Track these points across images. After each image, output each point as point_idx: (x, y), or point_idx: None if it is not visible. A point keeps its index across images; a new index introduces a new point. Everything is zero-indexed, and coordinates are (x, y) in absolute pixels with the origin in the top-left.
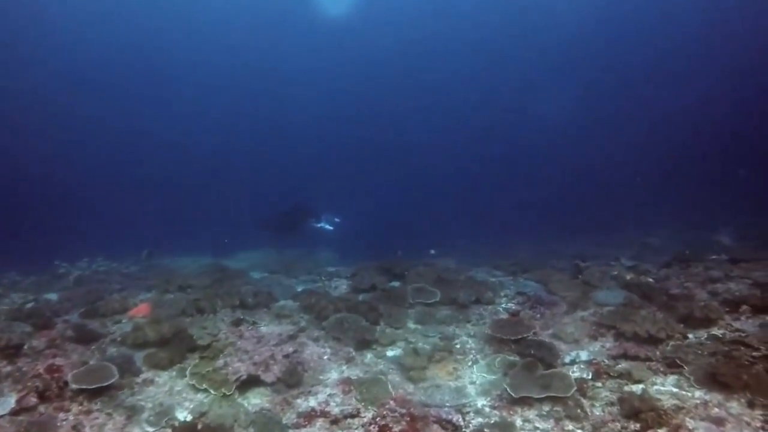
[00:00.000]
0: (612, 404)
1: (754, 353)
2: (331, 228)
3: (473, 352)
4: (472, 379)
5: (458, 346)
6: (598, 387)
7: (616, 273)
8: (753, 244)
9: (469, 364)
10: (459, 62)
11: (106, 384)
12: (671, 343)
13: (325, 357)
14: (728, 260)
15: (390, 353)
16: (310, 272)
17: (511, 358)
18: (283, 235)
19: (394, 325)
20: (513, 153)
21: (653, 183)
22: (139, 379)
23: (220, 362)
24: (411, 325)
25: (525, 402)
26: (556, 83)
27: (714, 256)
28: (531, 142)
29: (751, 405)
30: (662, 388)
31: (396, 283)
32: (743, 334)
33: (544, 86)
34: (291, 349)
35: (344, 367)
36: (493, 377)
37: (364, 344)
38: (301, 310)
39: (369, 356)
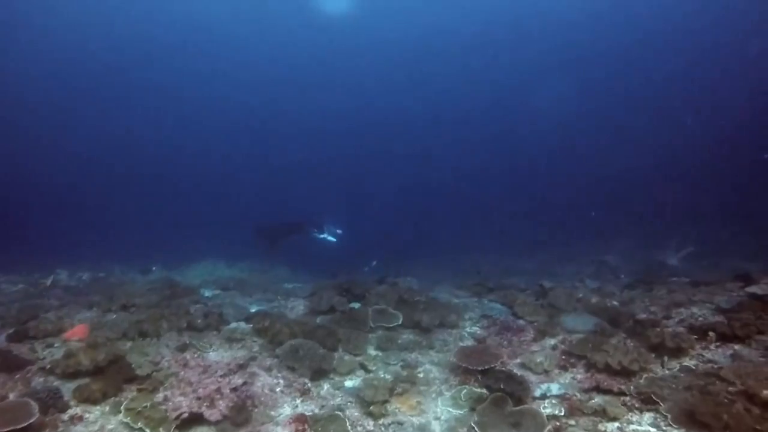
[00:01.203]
0: None
1: (731, 388)
2: (334, 240)
3: (437, 382)
4: (436, 414)
5: (421, 375)
6: (571, 426)
7: (581, 295)
8: (707, 263)
9: (434, 396)
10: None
11: (20, 426)
12: (644, 375)
13: (278, 389)
14: (689, 283)
15: (349, 383)
16: (266, 289)
17: (478, 390)
18: (281, 244)
19: (353, 352)
20: (485, 167)
21: (611, 199)
22: (65, 416)
23: (160, 396)
24: (371, 351)
25: None
26: (526, 105)
27: (674, 278)
28: (500, 158)
29: None
30: (639, 427)
31: (356, 305)
32: (716, 366)
33: (513, 109)
34: (240, 381)
35: (298, 401)
36: (460, 412)
37: (320, 374)
38: (254, 334)
39: (326, 387)
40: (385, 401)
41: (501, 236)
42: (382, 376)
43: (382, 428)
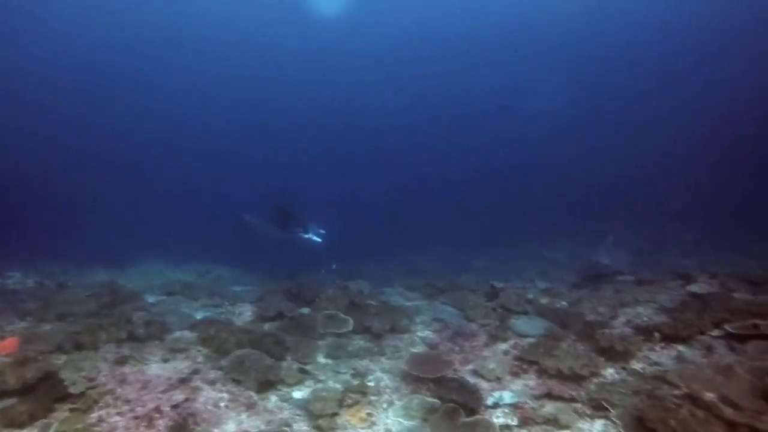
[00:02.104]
0: None
1: (676, 392)
2: (319, 240)
3: (389, 391)
4: (387, 427)
5: (372, 384)
6: None
7: (531, 296)
8: (649, 260)
9: (385, 406)
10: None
11: None
12: (594, 380)
13: (222, 404)
14: (634, 281)
15: (297, 395)
16: (213, 293)
17: (431, 399)
18: (267, 241)
19: (302, 361)
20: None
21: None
22: None
23: (94, 416)
24: (321, 359)
25: None
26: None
27: (620, 277)
28: (460, 158)
29: None
30: None
31: (305, 310)
32: (662, 369)
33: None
34: (182, 397)
35: (244, 416)
36: (411, 423)
37: (267, 385)
38: (199, 343)
39: (273, 400)
40: (335, 414)
41: (456, 233)
42: (332, 385)
43: None
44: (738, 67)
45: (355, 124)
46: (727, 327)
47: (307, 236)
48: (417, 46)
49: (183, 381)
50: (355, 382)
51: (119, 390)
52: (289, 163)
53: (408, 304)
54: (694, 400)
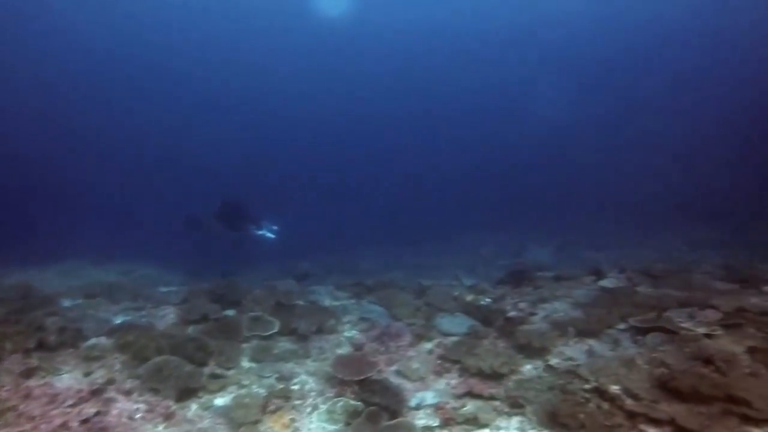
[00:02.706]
0: None
1: (586, 386)
2: (272, 236)
3: (313, 394)
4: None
5: (297, 387)
6: None
7: (457, 294)
8: (566, 255)
9: (309, 410)
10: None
11: None
12: (513, 378)
13: (138, 416)
14: (552, 277)
15: (219, 402)
16: (137, 295)
17: (354, 403)
18: (216, 239)
19: (225, 365)
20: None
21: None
22: None
23: None
24: (245, 363)
25: None
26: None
27: (539, 273)
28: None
29: None
30: None
31: (231, 312)
32: (575, 363)
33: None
34: (93, 411)
35: (160, 428)
36: (335, 428)
37: (188, 393)
38: (117, 350)
39: (193, 408)
40: (257, 421)
41: (391, 229)
42: (256, 391)
43: None
44: (680, 62)
45: (298, 121)
46: (631, 320)
47: (260, 232)
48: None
49: (95, 393)
50: (280, 386)
51: (22, 406)
52: (242, 161)
53: (336, 303)
54: (601, 393)
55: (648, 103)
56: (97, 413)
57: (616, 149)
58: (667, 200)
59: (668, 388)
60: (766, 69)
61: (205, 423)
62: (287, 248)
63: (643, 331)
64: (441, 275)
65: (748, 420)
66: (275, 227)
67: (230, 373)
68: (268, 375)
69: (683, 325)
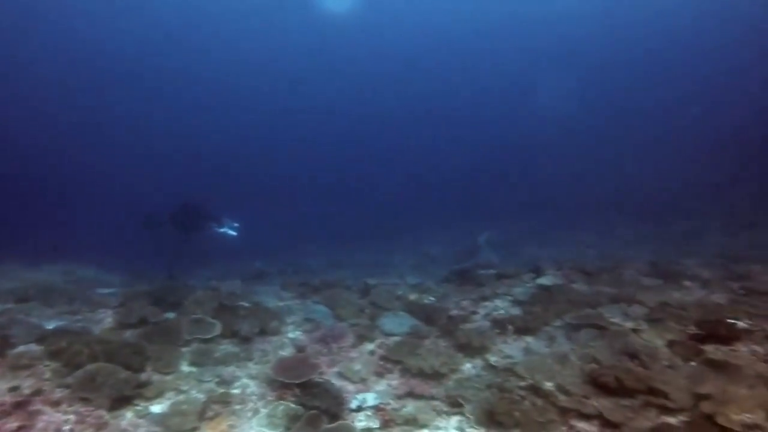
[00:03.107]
0: None
1: (522, 383)
2: (234, 234)
3: (254, 399)
4: None
5: (237, 392)
6: None
7: (401, 293)
8: (507, 252)
9: (249, 415)
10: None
11: None
12: (453, 377)
13: (66, 428)
14: (494, 275)
15: (155, 409)
16: (74, 298)
17: (295, 406)
18: (177, 237)
19: (163, 371)
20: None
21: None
22: None
23: None
24: (184, 368)
25: None
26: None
27: (482, 271)
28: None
29: None
30: None
31: (171, 315)
32: (512, 361)
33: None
34: (15, 425)
35: None
36: None
37: (122, 401)
38: (47, 358)
39: (128, 417)
40: (194, 428)
41: (341, 227)
42: (195, 396)
43: None
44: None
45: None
46: (566, 318)
47: (221, 230)
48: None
49: (19, 405)
50: (220, 390)
51: None
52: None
53: (281, 304)
54: (536, 390)
55: (587, 108)
56: (20, 428)
57: (561, 152)
58: (605, 199)
59: (597, 384)
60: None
61: None
62: (247, 247)
63: (576, 328)
64: (388, 273)
65: (665, 410)
66: (236, 224)
67: (168, 378)
68: (208, 379)
69: (613, 320)
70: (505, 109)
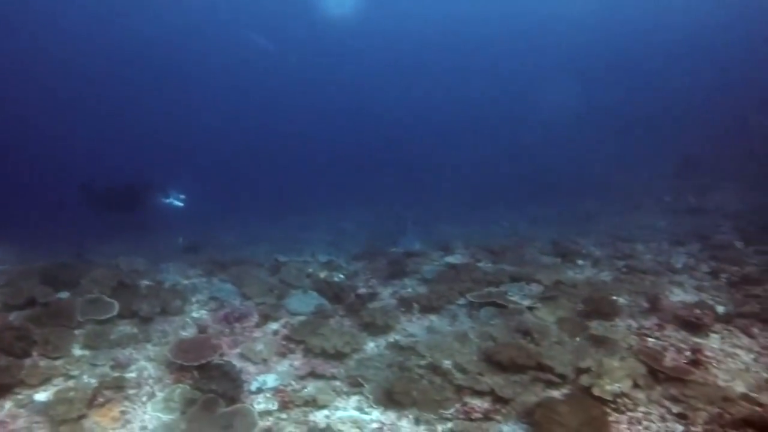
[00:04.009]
0: None
1: (422, 362)
2: (181, 204)
3: (150, 382)
4: (143, 424)
5: (133, 375)
6: (283, 420)
7: (311, 271)
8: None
9: (144, 400)
10: None
11: None
12: (355, 356)
13: None
14: (404, 253)
15: (40, 397)
16: None
17: (193, 390)
18: (119, 212)
19: (51, 355)
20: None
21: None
22: None
23: None
24: (77, 351)
25: None
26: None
27: (393, 249)
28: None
29: (417, 422)
30: (344, 413)
31: (64, 294)
32: (415, 339)
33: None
34: None
35: None
36: (170, 418)
37: (1, 390)
38: None
39: (7, 407)
40: (82, 416)
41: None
42: (86, 382)
43: None
44: None
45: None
46: (469, 296)
47: (167, 201)
48: None
49: None
50: (114, 374)
51: None
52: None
53: (185, 282)
54: (435, 369)
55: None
56: None
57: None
58: (513, 179)
59: (492, 361)
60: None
61: (20, 423)
62: (183, 220)
63: (478, 306)
64: (301, 251)
65: (551, 384)
66: (183, 196)
67: (57, 363)
68: (102, 363)
69: (512, 299)
70: (426, 92)
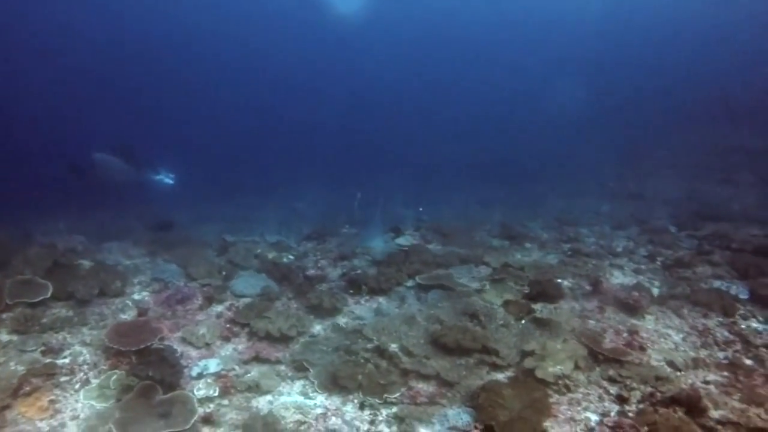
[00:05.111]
0: (237, 428)
1: (368, 345)
2: (171, 182)
3: (85, 368)
4: (75, 413)
5: (66, 361)
6: (224, 406)
7: (259, 251)
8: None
9: (77, 387)
10: None
11: None
12: (301, 340)
13: None
14: (356, 234)
15: None
16: None
17: (130, 376)
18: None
19: None
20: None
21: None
22: None
23: None
24: (3, 336)
25: None
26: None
27: (345, 230)
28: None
29: (362, 407)
30: (288, 399)
31: None
32: (362, 322)
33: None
34: None
35: None
36: (104, 406)
37: None
38: None
39: None
40: (5, 407)
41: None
42: (12, 368)
43: None
44: None
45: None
46: (417, 278)
47: (158, 177)
48: None
49: None
50: (45, 360)
51: None
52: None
53: (127, 262)
54: (381, 352)
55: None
56: None
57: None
58: (464, 163)
59: (439, 344)
60: None
61: None
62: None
63: (426, 289)
64: (251, 230)
65: (495, 367)
66: (172, 174)
67: None
68: (32, 348)
69: (461, 281)
70: (388, 79)
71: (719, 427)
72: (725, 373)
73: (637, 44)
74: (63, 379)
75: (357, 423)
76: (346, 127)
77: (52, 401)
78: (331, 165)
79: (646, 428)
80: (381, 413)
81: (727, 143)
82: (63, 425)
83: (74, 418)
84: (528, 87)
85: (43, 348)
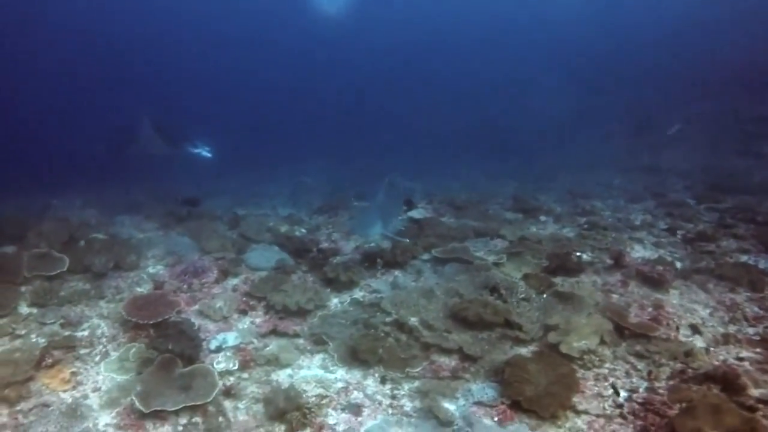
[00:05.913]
0: (258, 401)
1: (387, 319)
2: (209, 155)
3: (104, 341)
4: (96, 385)
5: (85, 334)
6: (244, 380)
7: (272, 224)
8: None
9: (97, 359)
10: None
11: None
12: (319, 313)
13: None
14: (366, 207)
15: None
16: None
17: (149, 349)
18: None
19: None
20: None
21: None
22: None
23: None
24: (23, 309)
25: (158, 416)
26: None
27: (356, 203)
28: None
29: (383, 381)
30: (308, 372)
31: (9, 249)
32: (379, 296)
33: None
34: None
35: None
36: (125, 378)
37: None
38: None
39: None
40: (29, 378)
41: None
42: (33, 341)
43: (20, 417)
44: None
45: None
46: (433, 251)
47: (197, 150)
48: None
49: None
50: (65, 333)
51: None
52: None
53: (140, 236)
54: (401, 326)
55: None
56: None
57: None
58: (469, 136)
59: (459, 318)
60: None
61: None
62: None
63: (443, 262)
64: (261, 204)
65: (519, 342)
66: (208, 147)
67: (2, 321)
68: (51, 321)
69: (477, 254)
70: (388, 53)
71: (760, 405)
72: (758, 350)
73: (654, 12)
74: (83, 351)
75: (379, 397)
76: (352, 104)
77: (73, 373)
78: (337, 141)
79: (679, 405)
80: (403, 387)
81: (745, 114)
82: (85, 396)
83: (96, 389)
84: (538, 55)
85: (62, 320)
